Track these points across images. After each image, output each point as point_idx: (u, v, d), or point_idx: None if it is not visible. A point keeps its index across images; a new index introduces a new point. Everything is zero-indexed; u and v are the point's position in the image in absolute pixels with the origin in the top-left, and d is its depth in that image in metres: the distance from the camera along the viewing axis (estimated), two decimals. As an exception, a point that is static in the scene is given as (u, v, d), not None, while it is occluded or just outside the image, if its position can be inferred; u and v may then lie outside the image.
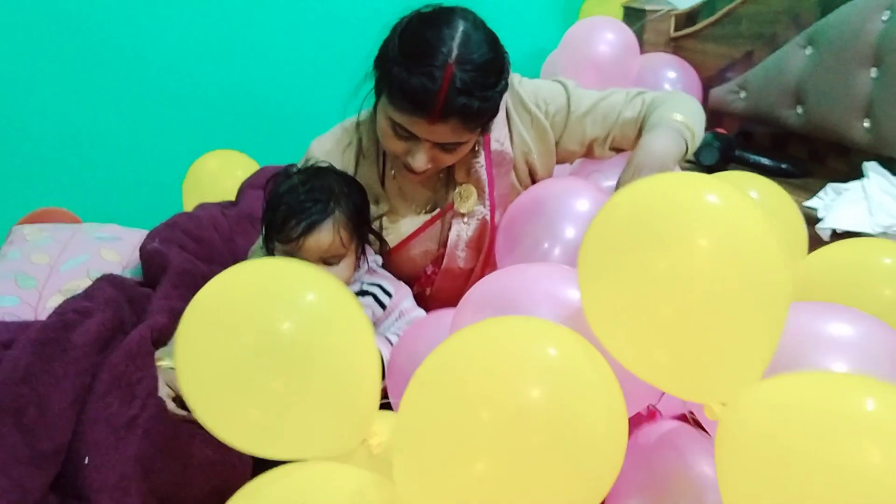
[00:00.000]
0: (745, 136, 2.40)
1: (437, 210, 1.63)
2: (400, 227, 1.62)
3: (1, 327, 1.42)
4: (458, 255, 1.63)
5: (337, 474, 0.92)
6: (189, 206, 2.26)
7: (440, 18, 1.42)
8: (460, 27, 1.40)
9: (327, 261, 1.45)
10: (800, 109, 2.14)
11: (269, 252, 1.49)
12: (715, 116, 2.44)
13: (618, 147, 1.65)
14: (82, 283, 1.75)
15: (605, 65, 2.48)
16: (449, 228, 1.62)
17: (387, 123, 1.44)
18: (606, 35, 2.46)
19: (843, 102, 2.01)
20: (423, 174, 1.52)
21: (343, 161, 1.60)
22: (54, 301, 1.70)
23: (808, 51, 2.12)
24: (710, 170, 2.18)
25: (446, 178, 1.64)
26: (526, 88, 1.63)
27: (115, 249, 1.90)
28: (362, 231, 1.52)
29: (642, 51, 2.60)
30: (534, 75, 2.91)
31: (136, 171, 2.67)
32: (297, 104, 2.77)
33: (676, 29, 2.65)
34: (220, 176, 2.16)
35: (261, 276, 0.95)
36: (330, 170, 1.52)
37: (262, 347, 0.89)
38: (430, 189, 1.65)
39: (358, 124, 1.63)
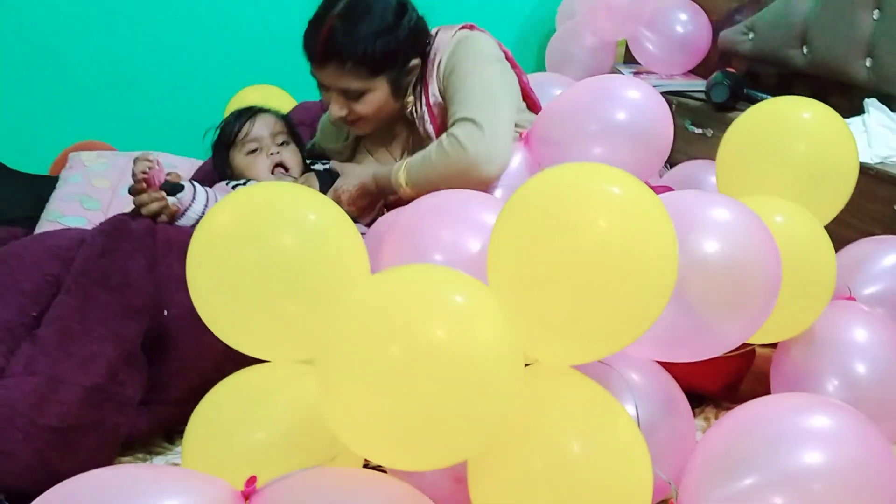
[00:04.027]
0: (753, 76, 2.54)
1: None
2: None
3: (74, 230, 1.61)
4: None
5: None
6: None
7: None
8: None
9: (277, 144, 1.89)
10: (805, 50, 2.28)
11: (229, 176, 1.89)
12: (724, 57, 2.57)
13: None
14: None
15: (619, 8, 2.61)
16: None
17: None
18: (622, -23, 2.58)
19: (845, 43, 2.14)
20: (354, 125, 1.84)
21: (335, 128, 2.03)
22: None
23: (814, -6, 2.25)
24: (720, 107, 2.33)
25: (412, 139, 1.92)
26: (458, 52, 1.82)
27: (169, 175, 2.04)
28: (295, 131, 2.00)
29: (655, -7, 2.71)
30: (550, 16, 3.04)
31: (175, 107, 2.78)
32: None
33: (688, -28, 2.77)
34: (259, 110, 2.28)
35: (262, 196, 1.10)
36: None
37: (262, 262, 1.03)
38: (400, 150, 1.95)
39: None
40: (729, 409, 1.30)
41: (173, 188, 1.65)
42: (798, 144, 1.42)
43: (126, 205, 1.96)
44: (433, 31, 1.88)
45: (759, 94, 2.34)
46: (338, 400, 0.92)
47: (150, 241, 1.50)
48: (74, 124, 2.71)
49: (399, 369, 0.88)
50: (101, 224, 1.51)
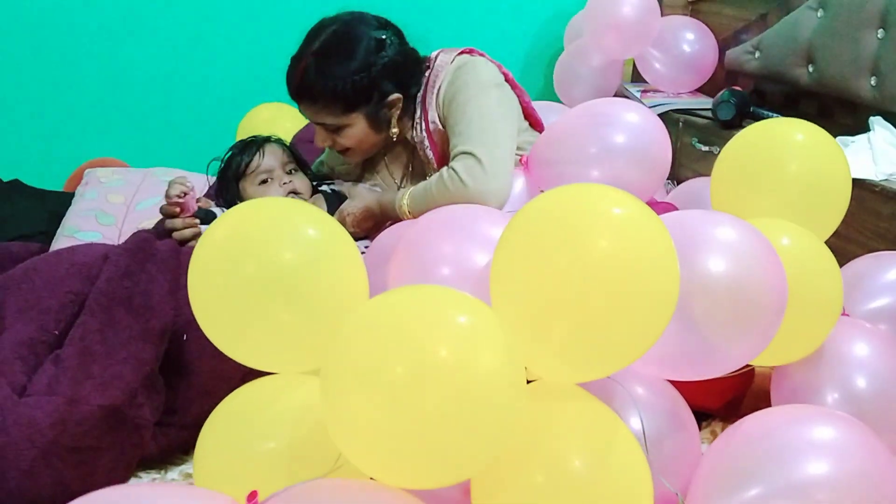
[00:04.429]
0: (759, 94, 2.56)
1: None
2: None
3: (98, 245, 1.63)
4: None
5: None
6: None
7: (324, 21, 1.80)
8: (332, 28, 1.77)
9: (287, 173, 1.90)
10: (811, 68, 2.30)
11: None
12: (730, 76, 2.60)
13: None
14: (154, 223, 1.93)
15: (626, 26, 2.64)
16: None
17: None
18: (630, -3, 2.61)
19: (850, 62, 2.16)
20: (349, 156, 1.91)
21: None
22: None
23: (820, 13, 2.27)
24: (727, 124, 2.35)
25: (413, 162, 1.96)
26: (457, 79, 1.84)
27: (183, 191, 2.07)
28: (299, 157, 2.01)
29: (662, 14, 2.74)
30: (558, 35, 3.07)
31: (187, 124, 2.82)
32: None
33: (694, -8, 2.81)
34: (271, 127, 2.31)
35: (264, 212, 1.13)
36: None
37: (262, 275, 1.06)
38: (400, 172, 1.99)
39: None
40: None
41: (206, 215, 1.68)
42: (791, 165, 1.42)
43: (140, 220, 2.01)
44: (433, 55, 1.91)
45: (766, 112, 2.36)
46: (341, 417, 0.94)
47: (174, 264, 1.53)
48: (88, 142, 2.75)
49: (402, 388, 0.89)
50: (125, 242, 1.54)
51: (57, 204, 2.23)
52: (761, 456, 1.06)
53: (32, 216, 2.20)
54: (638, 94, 2.72)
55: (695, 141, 2.45)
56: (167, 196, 1.70)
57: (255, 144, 1.95)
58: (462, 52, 1.90)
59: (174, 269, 1.52)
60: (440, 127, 1.84)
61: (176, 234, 1.65)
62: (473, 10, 3.00)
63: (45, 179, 2.51)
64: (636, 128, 1.71)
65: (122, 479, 1.38)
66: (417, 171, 1.97)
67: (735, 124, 2.34)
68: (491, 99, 1.81)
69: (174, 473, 1.47)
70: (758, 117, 2.36)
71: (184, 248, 1.60)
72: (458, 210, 1.44)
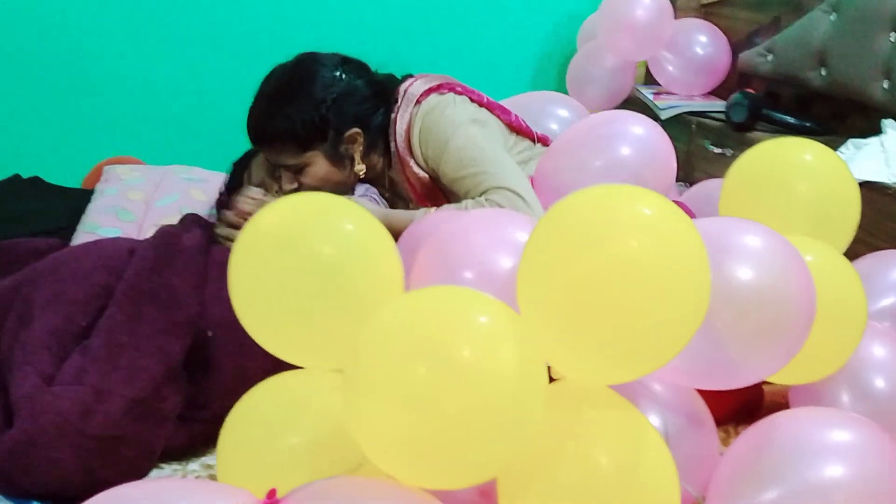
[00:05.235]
0: (772, 97, 2.57)
1: None
2: None
3: (124, 239, 1.66)
4: None
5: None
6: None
7: (277, 66, 1.84)
8: (282, 70, 1.80)
9: (294, 174, 1.81)
10: (823, 71, 2.31)
11: None
12: (743, 78, 2.61)
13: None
14: (176, 220, 1.95)
15: (640, 29, 2.66)
16: None
17: None
18: (643, 0, 2.63)
19: (864, 65, 2.17)
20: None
21: None
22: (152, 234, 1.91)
23: (833, 17, 2.28)
24: (739, 127, 2.37)
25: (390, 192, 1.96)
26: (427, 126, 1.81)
27: (202, 190, 2.09)
28: None
29: (675, 16, 2.75)
30: (571, 37, 3.09)
31: (204, 122, 2.83)
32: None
33: (707, -5, 2.82)
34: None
35: (305, 206, 1.15)
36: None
37: (301, 268, 1.07)
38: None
39: None
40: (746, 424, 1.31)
41: None
42: (800, 186, 1.42)
43: (159, 218, 2.03)
44: (402, 86, 1.87)
45: (778, 115, 2.38)
46: (363, 416, 0.94)
47: (200, 259, 1.55)
48: (106, 139, 2.77)
49: (424, 388, 0.90)
50: (153, 237, 1.57)
51: (76, 200, 2.26)
52: (780, 458, 1.07)
53: (52, 212, 2.23)
54: (651, 97, 2.74)
55: (708, 143, 2.47)
56: (238, 210, 1.72)
57: (244, 162, 1.94)
58: (430, 91, 1.85)
59: (200, 265, 1.54)
60: (427, 177, 1.83)
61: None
62: (486, 13, 3.01)
63: (64, 176, 2.53)
64: (641, 140, 1.74)
65: (145, 470, 1.40)
66: (392, 199, 1.96)
67: (748, 127, 2.36)
68: (478, 135, 1.80)
69: (195, 465, 1.49)
70: (771, 120, 2.38)
71: (210, 244, 1.63)
72: (484, 213, 1.44)
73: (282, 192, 1.85)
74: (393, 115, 1.85)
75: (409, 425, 0.91)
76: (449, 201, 1.81)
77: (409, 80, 1.89)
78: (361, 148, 1.84)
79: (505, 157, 1.79)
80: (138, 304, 1.44)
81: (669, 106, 2.64)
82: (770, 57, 2.47)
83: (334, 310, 1.09)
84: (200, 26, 2.79)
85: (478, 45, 3.01)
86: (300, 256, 1.08)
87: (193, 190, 2.11)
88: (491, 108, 1.91)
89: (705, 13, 2.82)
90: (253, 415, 1.16)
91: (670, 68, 2.72)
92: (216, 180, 2.13)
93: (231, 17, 2.81)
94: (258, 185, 1.88)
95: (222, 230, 1.74)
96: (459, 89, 1.88)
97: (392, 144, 1.86)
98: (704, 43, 2.68)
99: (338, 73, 1.81)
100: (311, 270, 1.08)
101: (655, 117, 2.66)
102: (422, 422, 0.90)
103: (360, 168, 1.85)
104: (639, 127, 1.76)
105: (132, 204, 2.05)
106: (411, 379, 0.91)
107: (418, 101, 1.83)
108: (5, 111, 2.68)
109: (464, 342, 0.92)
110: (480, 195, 1.71)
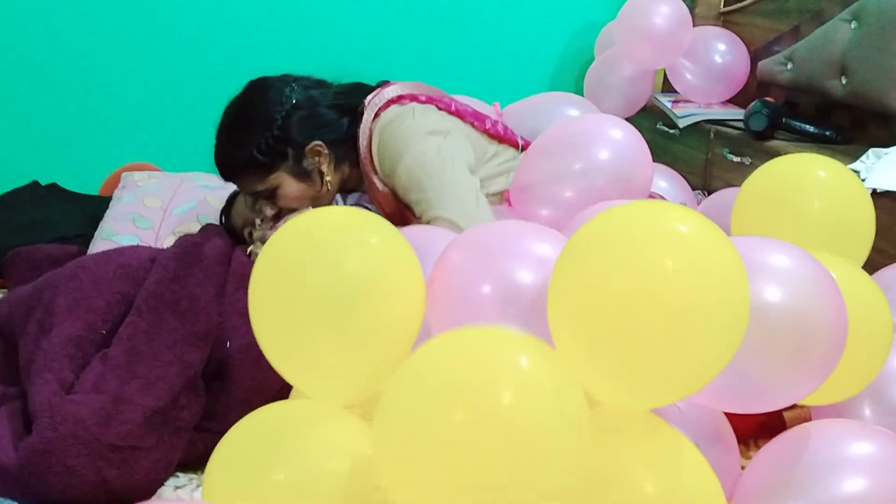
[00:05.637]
0: (792, 106, 2.55)
1: None
2: None
3: (144, 248, 1.66)
4: None
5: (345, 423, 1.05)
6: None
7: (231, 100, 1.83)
8: (233, 102, 1.82)
9: (269, 199, 1.81)
10: (843, 80, 2.29)
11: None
12: (762, 87, 2.60)
13: None
14: (193, 226, 1.96)
15: (659, 37, 2.64)
16: None
17: None
18: (662, 8, 2.61)
19: (884, 74, 2.15)
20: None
21: None
22: (169, 241, 1.91)
23: (853, 25, 2.27)
24: (758, 135, 2.35)
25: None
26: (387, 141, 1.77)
27: (219, 197, 2.09)
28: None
29: (694, 24, 2.74)
30: (589, 45, 3.08)
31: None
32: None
33: (726, 4, 2.81)
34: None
35: (326, 222, 1.12)
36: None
37: (323, 287, 1.03)
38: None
39: None
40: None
41: None
42: (814, 202, 1.40)
43: (177, 225, 2.03)
44: (366, 98, 1.83)
45: (798, 124, 2.36)
46: (398, 467, 0.91)
47: (221, 270, 1.56)
48: (124, 147, 2.79)
49: (462, 435, 0.86)
50: (174, 246, 1.57)
51: (94, 207, 2.28)
52: (805, 471, 1.06)
53: (70, 219, 2.24)
54: (669, 105, 2.73)
55: (726, 152, 2.45)
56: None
57: (228, 205, 1.96)
58: (390, 102, 1.81)
59: (221, 275, 1.55)
60: (388, 190, 1.80)
61: None
62: (505, 21, 3.01)
63: (82, 183, 2.55)
64: (618, 145, 1.73)
65: (161, 480, 1.40)
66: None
67: (767, 135, 2.34)
68: (431, 150, 1.72)
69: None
70: (790, 129, 2.36)
71: (235, 255, 1.63)
72: (502, 226, 1.35)
73: (266, 220, 1.83)
74: (357, 128, 1.82)
75: (447, 475, 0.87)
76: (415, 218, 1.76)
77: (378, 90, 1.86)
78: (328, 160, 1.81)
79: (455, 177, 1.71)
80: (159, 313, 1.44)
81: (688, 114, 2.63)
82: (790, 65, 2.46)
83: (355, 333, 1.05)
84: (219, 35, 2.81)
85: (496, 53, 3.01)
86: (322, 276, 1.04)
87: (210, 197, 2.11)
88: (462, 115, 1.85)
89: (724, 21, 2.80)
90: (245, 441, 1.07)
91: (689, 76, 2.71)
92: (231, 187, 2.14)
93: (250, 25, 2.83)
94: (245, 225, 1.88)
95: (258, 248, 1.74)
96: (423, 98, 1.83)
97: (362, 153, 1.82)
98: (723, 51, 2.66)
99: (286, 90, 1.80)
100: (333, 290, 1.04)
101: (674, 125, 2.66)
102: (462, 471, 0.87)
103: (329, 181, 1.81)
104: (617, 130, 1.75)
105: (149, 211, 2.05)
106: (449, 426, 0.87)
107: (377, 115, 1.80)
108: (24, 118, 2.70)
109: (502, 386, 0.88)
110: (427, 222, 1.68)
